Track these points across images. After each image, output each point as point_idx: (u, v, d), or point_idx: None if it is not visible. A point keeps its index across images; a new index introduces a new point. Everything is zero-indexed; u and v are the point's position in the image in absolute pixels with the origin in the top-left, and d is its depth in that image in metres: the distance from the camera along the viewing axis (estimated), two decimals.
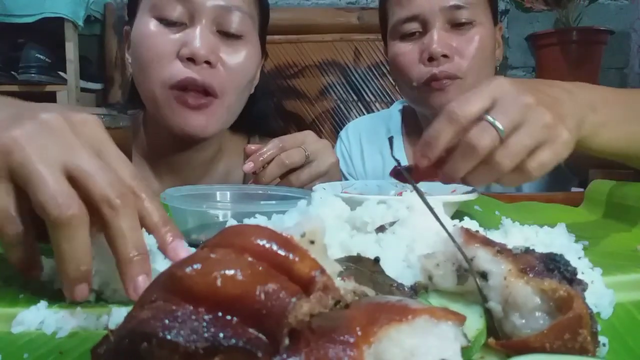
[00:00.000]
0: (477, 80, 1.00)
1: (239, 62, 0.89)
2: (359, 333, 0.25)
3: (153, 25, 0.86)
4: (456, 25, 0.98)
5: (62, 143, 0.37)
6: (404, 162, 1.17)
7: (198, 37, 0.84)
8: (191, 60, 0.84)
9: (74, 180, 0.37)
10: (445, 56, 0.96)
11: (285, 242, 0.27)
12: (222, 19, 0.87)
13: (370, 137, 1.24)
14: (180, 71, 0.84)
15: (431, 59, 0.97)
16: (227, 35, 0.88)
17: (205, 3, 0.85)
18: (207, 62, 0.84)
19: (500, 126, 0.51)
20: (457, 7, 0.97)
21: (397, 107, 1.29)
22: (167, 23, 0.86)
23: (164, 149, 0.96)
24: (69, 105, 1.91)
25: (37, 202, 0.35)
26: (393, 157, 0.56)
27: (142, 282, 0.36)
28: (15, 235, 0.38)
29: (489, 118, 0.51)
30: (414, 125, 1.21)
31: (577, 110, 0.58)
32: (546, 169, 0.55)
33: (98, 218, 0.37)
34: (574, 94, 0.59)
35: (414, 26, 0.99)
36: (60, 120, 0.39)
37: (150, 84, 0.86)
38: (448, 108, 0.52)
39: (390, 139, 1.20)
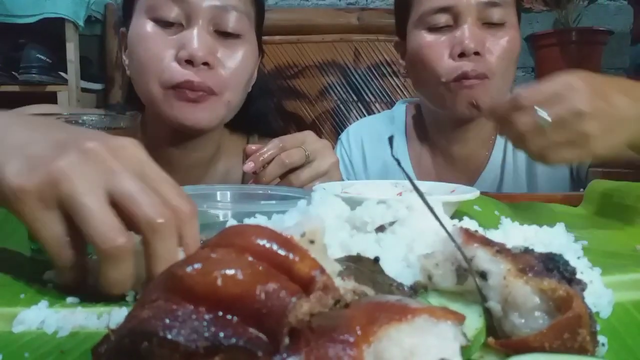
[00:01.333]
0: (502, 82, 0.98)
1: (237, 62, 0.89)
2: (359, 332, 0.25)
3: (149, 27, 0.86)
4: (487, 24, 0.96)
5: (104, 169, 0.39)
6: (407, 163, 1.16)
7: (195, 39, 0.84)
8: (189, 62, 0.84)
9: (117, 204, 0.38)
10: (477, 53, 0.94)
11: (286, 242, 0.27)
12: (219, 19, 0.87)
13: (373, 141, 1.20)
14: (179, 73, 0.84)
15: (462, 54, 0.94)
16: (224, 35, 0.88)
17: (202, 4, 0.85)
18: (205, 64, 0.84)
19: (548, 120, 0.64)
20: (493, 5, 0.94)
21: (400, 108, 1.24)
22: (164, 24, 0.86)
23: (163, 150, 0.96)
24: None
25: (87, 233, 0.37)
26: (393, 156, 0.56)
27: None
28: (69, 260, 0.39)
29: (540, 111, 0.64)
30: (418, 126, 1.17)
31: (634, 126, 0.67)
32: (565, 163, 0.70)
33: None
34: None
35: (444, 18, 0.96)
36: (101, 147, 0.40)
37: (149, 85, 0.86)
38: (517, 92, 0.67)
39: (390, 139, 1.18)
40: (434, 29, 0.97)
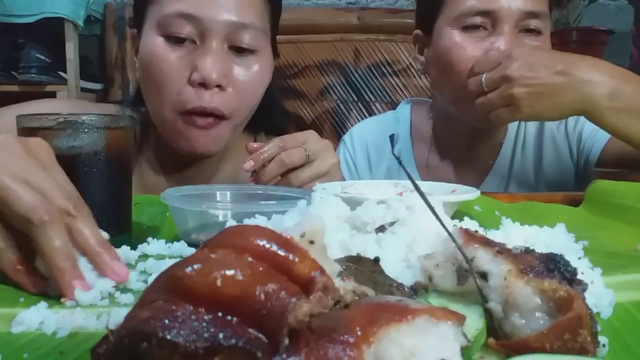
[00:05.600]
0: None
1: (251, 78, 0.87)
2: (359, 333, 0.25)
3: (161, 43, 0.83)
4: (524, 32, 0.94)
5: (19, 161, 0.43)
6: (412, 165, 1.14)
7: (209, 60, 0.81)
8: (202, 84, 0.82)
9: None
10: None
11: (285, 243, 0.27)
12: (234, 35, 0.84)
13: (378, 143, 1.17)
14: (191, 99, 0.82)
15: None
16: (239, 51, 0.85)
17: (216, 20, 0.82)
18: (219, 86, 0.83)
19: (484, 82, 0.86)
20: (534, 15, 0.93)
21: (405, 108, 1.22)
22: (176, 40, 0.83)
23: (173, 150, 0.96)
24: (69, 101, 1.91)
25: (16, 213, 0.40)
26: (393, 154, 0.57)
27: (78, 284, 0.40)
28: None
29: (483, 77, 0.86)
30: (424, 127, 1.15)
31: (572, 96, 0.81)
32: (503, 121, 0.89)
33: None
34: (591, 83, 0.81)
35: (482, 21, 0.94)
36: (16, 142, 0.45)
37: (160, 107, 0.85)
38: (476, 60, 0.91)
39: (392, 137, 1.17)
40: (468, 30, 0.96)
